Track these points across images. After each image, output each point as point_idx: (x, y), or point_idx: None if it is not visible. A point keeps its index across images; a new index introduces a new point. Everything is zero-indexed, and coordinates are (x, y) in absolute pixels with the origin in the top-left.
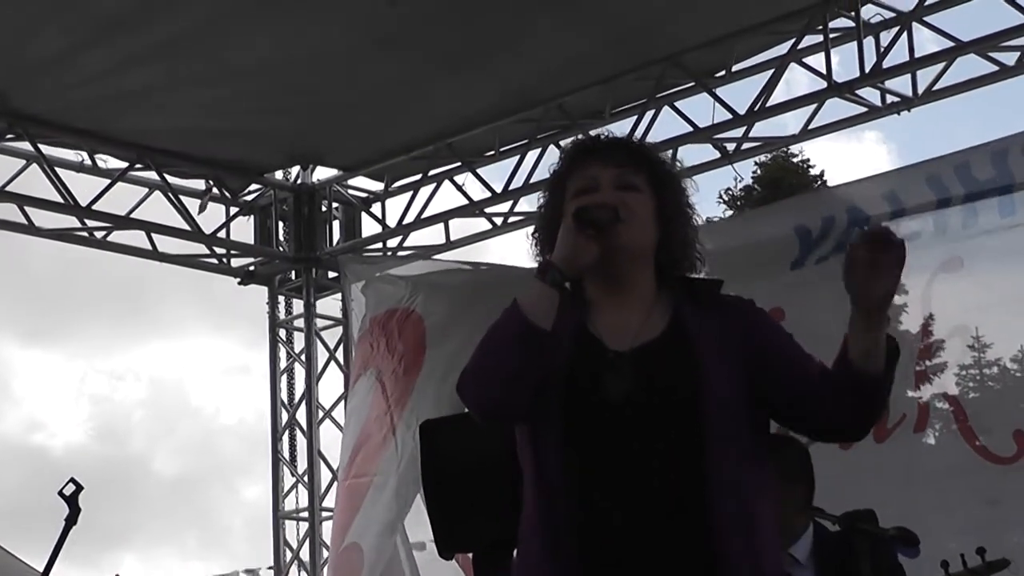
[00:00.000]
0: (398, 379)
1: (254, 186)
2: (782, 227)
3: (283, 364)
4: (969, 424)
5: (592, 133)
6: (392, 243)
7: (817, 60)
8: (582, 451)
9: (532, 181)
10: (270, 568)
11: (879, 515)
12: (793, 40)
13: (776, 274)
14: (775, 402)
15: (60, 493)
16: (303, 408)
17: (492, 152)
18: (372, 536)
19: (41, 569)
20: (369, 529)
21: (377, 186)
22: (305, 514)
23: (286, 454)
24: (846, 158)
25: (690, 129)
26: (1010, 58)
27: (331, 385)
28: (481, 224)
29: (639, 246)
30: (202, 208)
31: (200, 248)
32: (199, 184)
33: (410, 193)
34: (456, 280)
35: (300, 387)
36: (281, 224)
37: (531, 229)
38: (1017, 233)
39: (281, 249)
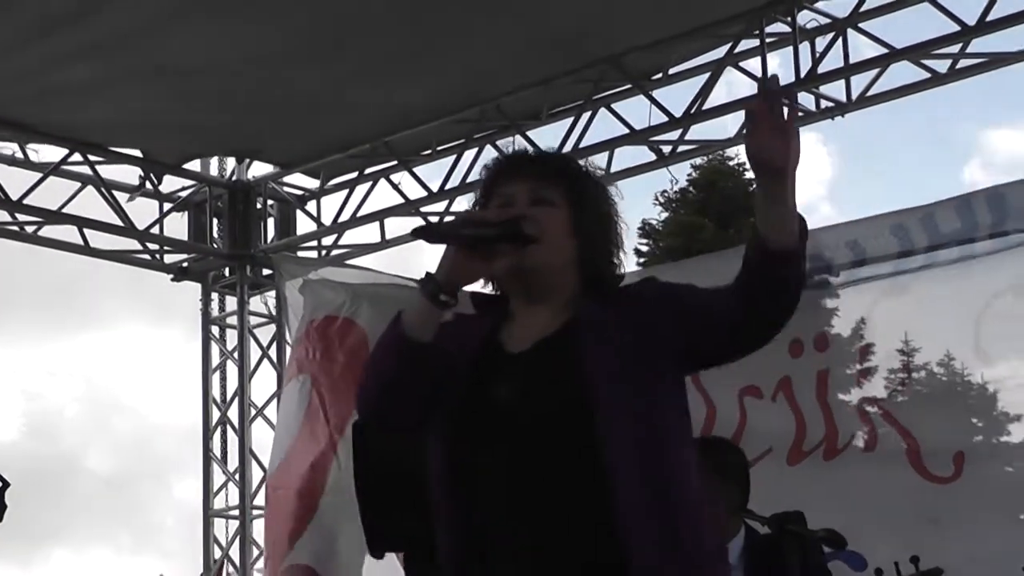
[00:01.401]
0: (339, 393)
1: (189, 182)
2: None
3: (216, 361)
4: (916, 443)
5: (521, 147)
6: (327, 241)
7: (753, 64)
8: (470, 453)
9: (468, 181)
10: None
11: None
12: (730, 44)
13: None
14: (703, 341)
15: None
16: (235, 406)
17: (429, 151)
18: (335, 559)
19: None
20: (330, 552)
21: (313, 184)
22: (236, 512)
23: (217, 452)
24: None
25: (626, 131)
26: (942, 65)
27: (264, 383)
28: (417, 223)
29: (550, 264)
30: (131, 198)
31: (133, 244)
32: (133, 179)
33: (346, 191)
34: (400, 296)
35: (233, 385)
36: (215, 220)
37: None
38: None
39: (215, 246)
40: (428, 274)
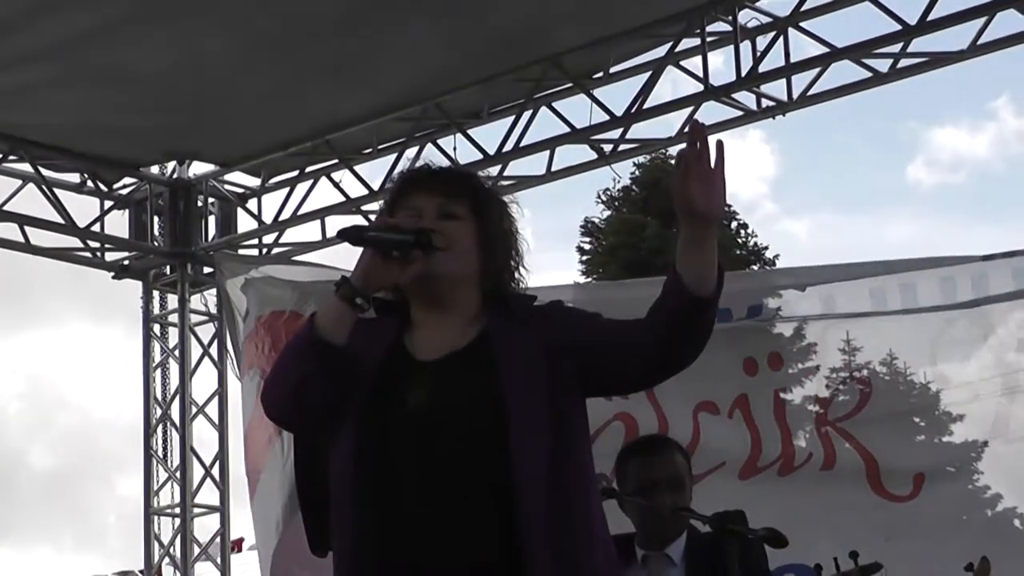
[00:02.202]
0: None
1: (129, 180)
2: None
3: (157, 359)
4: (875, 465)
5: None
6: (268, 239)
7: (694, 63)
8: (375, 456)
9: None
10: (141, 572)
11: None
12: (671, 43)
13: None
14: (607, 370)
15: None
16: (176, 404)
17: (370, 150)
18: (262, 534)
19: None
20: (259, 527)
21: (254, 182)
22: (177, 510)
23: (159, 450)
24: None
25: (568, 130)
26: (883, 65)
27: (204, 381)
28: (358, 222)
29: (457, 273)
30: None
31: (74, 241)
32: (74, 177)
33: (287, 189)
34: None
35: (174, 383)
36: (156, 219)
37: None
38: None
39: (156, 244)
40: (344, 278)
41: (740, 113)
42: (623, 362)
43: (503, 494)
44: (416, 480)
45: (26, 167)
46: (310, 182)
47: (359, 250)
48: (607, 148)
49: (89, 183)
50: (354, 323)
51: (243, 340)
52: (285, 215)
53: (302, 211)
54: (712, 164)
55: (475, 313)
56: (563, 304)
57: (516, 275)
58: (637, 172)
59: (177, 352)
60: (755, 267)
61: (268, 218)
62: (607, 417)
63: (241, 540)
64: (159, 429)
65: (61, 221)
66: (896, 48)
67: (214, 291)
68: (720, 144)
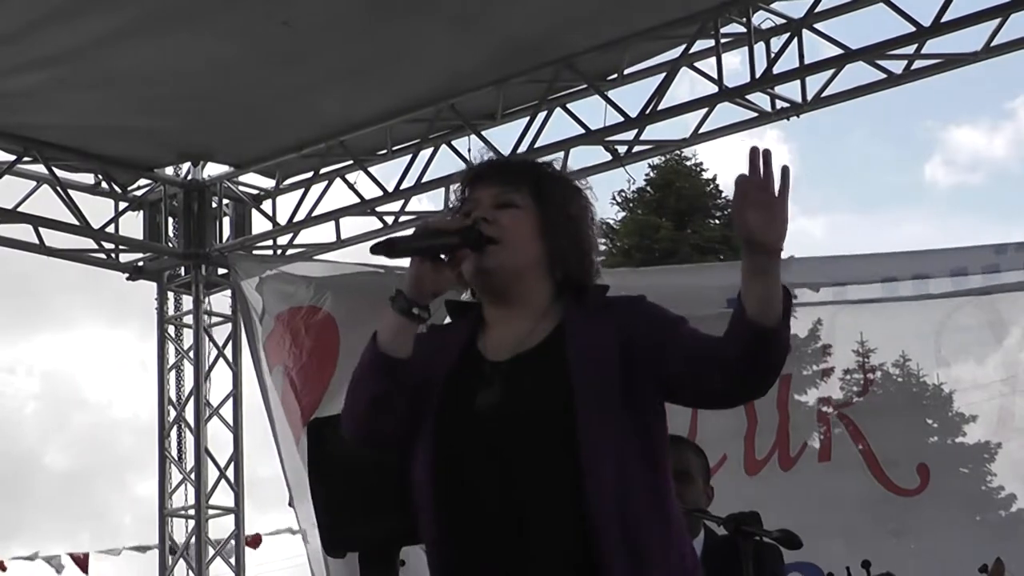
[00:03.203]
0: (308, 376)
1: (144, 181)
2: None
3: (172, 361)
4: (875, 456)
5: (479, 147)
6: (282, 240)
7: (709, 65)
8: (452, 462)
9: (424, 180)
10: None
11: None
12: (685, 45)
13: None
14: (681, 380)
15: None
16: (191, 405)
17: (384, 151)
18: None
19: None
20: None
21: (268, 183)
22: (192, 512)
23: (173, 451)
24: (745, 157)
25: (582, 131)
26: (897, 66)
27: (219, 382)
28: (372, 223)
29: (513, 264)
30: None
31: (88, 243)
32: (88, 178)
33: (301, 191)
34: (363, 281)
35: (189, 384)
36: (171, 220)
37: None
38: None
39: (170, 245)
40: (398, 291)
41: (754, 114)
42: (710, 376)
43: (572, 495)
44: (492, 485)
45: (40, 168)
46: (324, 183)
47: (363, 251)
48: (621, 149)
49: (103, 184)
50: (423, 332)
51: (264, 339)
52: (299, 216)
53: (316, 212)
54: (775, 191)
55: (547, 306)
56: (647, 301)
57: (588, 263)
58: (652, 173)
59: (192, 353)
60: None
61: (282, 219)
62: None
63: (258, 536)
64: (174, 430)
65: (75, 222)
66: (910, 49)
67: (229, 292)
68: (786, 170)
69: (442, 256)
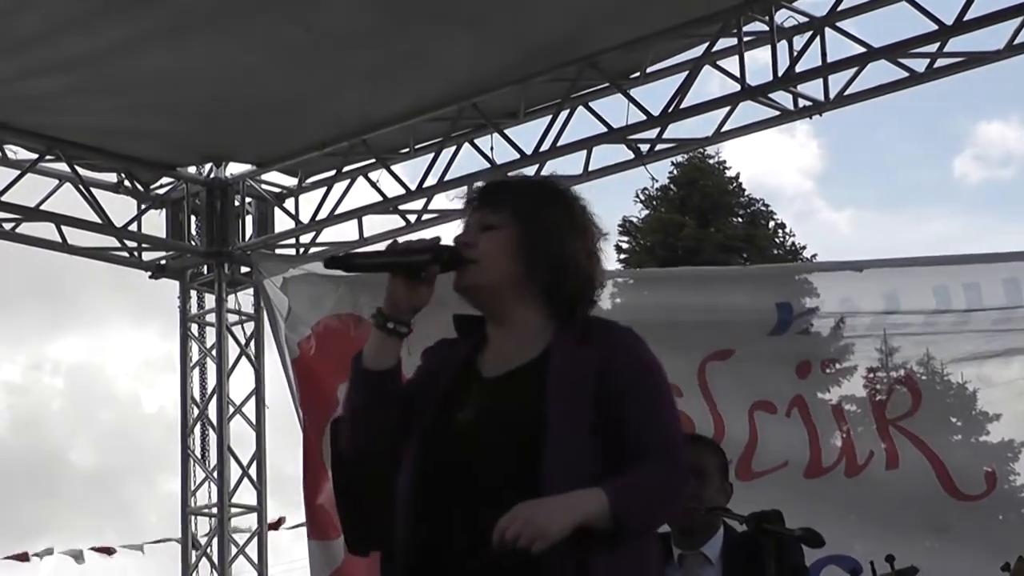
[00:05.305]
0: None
1: (166, 180)
2: (764, 300)
3: (194, 359)
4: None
5: (500, 147)
6: (305, 239)
7: (731, 63)
8: (427, 475)
9: (447, 179)
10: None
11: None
12: (707, 43)
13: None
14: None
15: None
16: (213, 403)
17: (407, 149)
18: None
19: None
20: None
21: (291, 181)
22: (215, 510)
23: (196, 450)
24: (773, 153)
25: (604, 130)
26: (920, 65)
27: (242, 381)
28: (395, 221)
29: (487, 283)
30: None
31: (111, 241)
32: (111, 177)
33: (324, 189)
34: None
35: (211, 382)
36: (193, 218)
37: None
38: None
39: (193, 243)
40: (378, 308)
41: (777, 113)
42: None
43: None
44: (461, 496)
45: (63, 167)
46: (347, 182)
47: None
48: (644, 148)
49: (126, 183)
50: (440, 344)
51: (299, 342)
52: (322, 215)
53: (339, 211)
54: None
55: (539, 325)
56: (632, 341)
57: (571, 274)
58: (675, 171)
59: (214, 352)
60: None
61: (305, 218)
62: None
63: (280, 519)
64: (196, 429)
65: (98, 221)
66: (933, 48)
67: (251, 291)
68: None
69: (418, 275)
